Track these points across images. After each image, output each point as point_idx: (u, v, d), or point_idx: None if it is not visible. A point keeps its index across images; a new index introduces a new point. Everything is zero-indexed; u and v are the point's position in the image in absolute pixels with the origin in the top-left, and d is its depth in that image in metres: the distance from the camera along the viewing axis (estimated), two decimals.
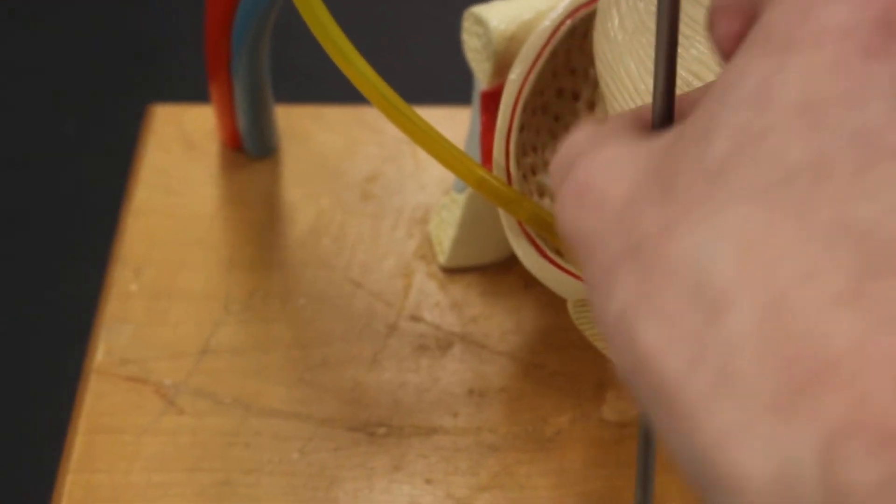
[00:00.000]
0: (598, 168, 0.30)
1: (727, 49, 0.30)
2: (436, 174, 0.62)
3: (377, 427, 0.53)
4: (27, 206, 0.70)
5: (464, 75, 0.63)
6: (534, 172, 0.53)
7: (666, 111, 0.33)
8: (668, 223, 0.27)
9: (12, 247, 0.67)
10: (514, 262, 0.57)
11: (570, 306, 0.51)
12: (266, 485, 0.52)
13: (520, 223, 0.50)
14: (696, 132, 0.28)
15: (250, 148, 0.62)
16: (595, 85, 0.54)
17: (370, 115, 0.65)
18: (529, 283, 0.57)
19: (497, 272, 0.58)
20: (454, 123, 0.64)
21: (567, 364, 0.55)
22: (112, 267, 0.59)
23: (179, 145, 0.64)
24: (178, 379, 0.55)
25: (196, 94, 0.67)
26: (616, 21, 0.46)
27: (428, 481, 0.52)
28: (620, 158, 0.30)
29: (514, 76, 0.50)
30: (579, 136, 0.32)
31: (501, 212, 0.50)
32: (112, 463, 0.52)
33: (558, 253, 0.50)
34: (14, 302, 0.65)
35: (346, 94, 0.68)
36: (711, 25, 0.30)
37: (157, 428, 0.53)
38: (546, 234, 0.49)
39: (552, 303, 0.56)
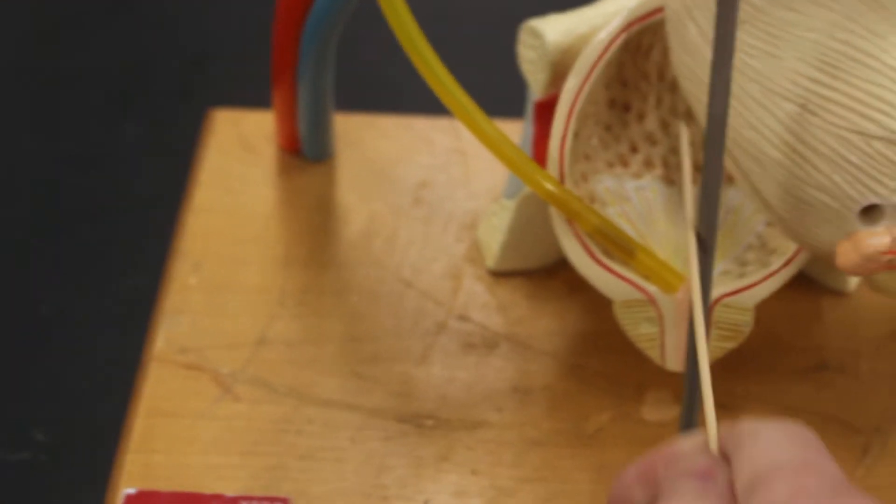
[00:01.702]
0: None
1: None
2: (485, 183, 0.65)
3: (426, 419, 0.55)
4: (90, 204, 0.72)
5: (507, 90, 0.66)
6: (585, 179, 0.55)
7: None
8: None
9: (79, 242, 0.70)
10: (560, 268, 0.60)
11: (616, 307, 0.53)
12: (317, 470, 0.54)
13: (571, 225, 0.52)
14: None
15: (308, 152, 0.65)
16: (645, 97, 0.57)
17: (421, 125, 0.68)
18: (574, 288, 0.59)
19: (543, 277, 0.61)
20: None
21: (608, 365, 0.57)
22: (172, 261, 0.62)
23: (238, 148, 0.66)
24: (235, 368, 0.57)
25: (249, 100, 0.69)
26: (693, 31, 0.48)
27: (474, 472, 0.54)
28: None
29: (571, 85, 0.52)
30: None
31: (554, 215, 0.53)
32: (170, 445, 0.55)
33: (608, 255, 0.53)
34: (79, 294, 0.68)
35: (393, 103, 0.71)
36: None
37: (213, 413, 0.56)
38: (609, 246, 0.52)
39: (595, 308, 0.59)
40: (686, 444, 0.36)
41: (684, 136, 0.53)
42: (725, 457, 0.35)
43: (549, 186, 0.51)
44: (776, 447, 0.33)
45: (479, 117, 0.51)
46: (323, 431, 0.55)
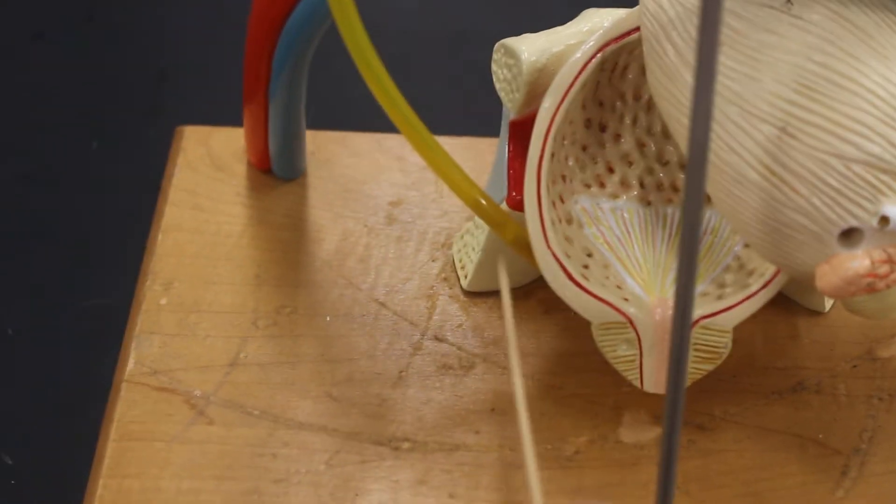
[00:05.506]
0: None
1: None
2: (457, 201, 0.64)
3: (402, 442, 0.55)
4: (57, 224, 0.71)
5: (482, 109, 0.66)
6: (562, 200, 0.55)
7: None
8: None
9: (46, 261, 0.69)
10: (535, 289, 0.59)
11: (594, 329, 0.53)
12: (293, 494, 0.53)
13: (548, 245, 0.52)
14: None
15: (279, 170, 0.64)
16: (620, 117, 0.56)
17: (393, 143, 0.67)
18: (549, 308, 0.59)
19: (518, 297, 0.60)
20: (476, 153, 0.66)
21: (585, 386, 0.57)
22: (142, 281, 0.61)
23: (208, 165, 0.66)
24: (208, 390, 0.56)
25: (218, 116, 0.68)
26: (671, 52, 0.48)
27: (451, 496, 0.53)
28: None
29: (547, 105, 0.52)
30: None
31: (531, 235, 0.52)
32: (143, 469, 0.54)
33: (585, 277, 0.52)
34: (48, 314, 0.67)
35: (366, 121, 0.70)
36: None
37: (186, 437, 0.55)
38: (527, 258, 0.52)
39: (570, 328, 0.58)
40: None
41: None
42: None
43: (475, 194, 0.53)
44: None
45: (414, 122, 0.51)
46: (298, 455, 0.55)
